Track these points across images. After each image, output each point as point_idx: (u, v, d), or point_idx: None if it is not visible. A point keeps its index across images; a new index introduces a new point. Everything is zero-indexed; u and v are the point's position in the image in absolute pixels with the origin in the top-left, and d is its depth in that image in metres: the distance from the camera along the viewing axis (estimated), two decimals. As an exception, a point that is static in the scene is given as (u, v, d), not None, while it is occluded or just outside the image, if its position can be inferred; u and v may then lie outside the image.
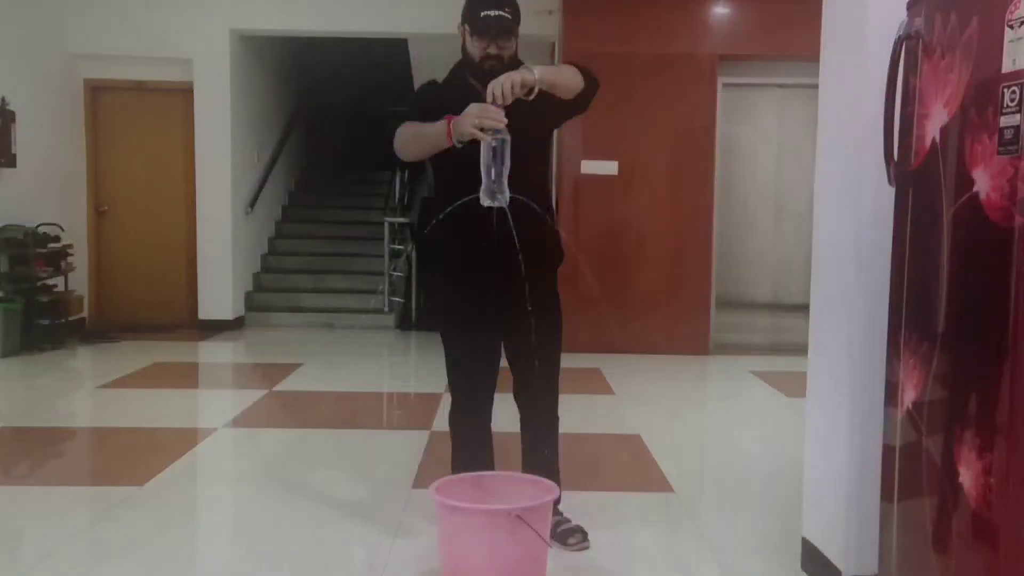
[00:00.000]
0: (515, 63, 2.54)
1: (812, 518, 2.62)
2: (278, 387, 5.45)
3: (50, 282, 6.90)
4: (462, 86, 2.62)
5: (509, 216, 2.36)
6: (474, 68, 2.60)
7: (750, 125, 7.06)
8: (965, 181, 1.76)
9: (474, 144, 2.32)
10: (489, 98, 2.32)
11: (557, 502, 2.74)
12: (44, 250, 6.76)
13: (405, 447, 4.04)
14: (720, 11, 6.73)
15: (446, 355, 2.80)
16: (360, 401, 5.23)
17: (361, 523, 3.03)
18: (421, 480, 3.45)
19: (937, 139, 1.89)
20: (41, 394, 5.43)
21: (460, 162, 2.40)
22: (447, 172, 2.68)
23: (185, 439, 4.18)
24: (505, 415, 2.86)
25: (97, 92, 7.79)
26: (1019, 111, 1.59)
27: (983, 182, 1.70)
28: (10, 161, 6.54)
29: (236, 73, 7.80)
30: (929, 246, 1.92)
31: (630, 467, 3.84)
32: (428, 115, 2.51)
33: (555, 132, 3.51)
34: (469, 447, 2.80)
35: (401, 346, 7.56)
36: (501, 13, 2.53)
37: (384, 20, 7.52)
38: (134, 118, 7.86)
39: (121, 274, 7.93)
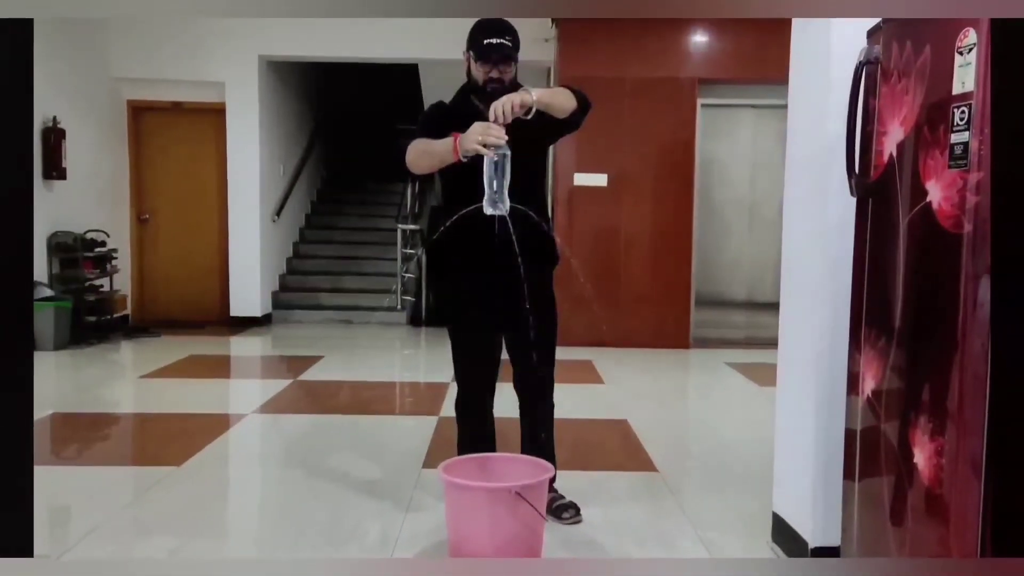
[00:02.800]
0: (515, 86, 2.55)
1: (782, 495, 2.62)
2: (302, 377, 5.45)
3: (97, 283, 6.91)
4: (467, 106, 2.62)
5: (509, 223, 2.36)
6: (478, 90, 2.61)
7: (726, 141, 7.05)
8: (919, 192, 1.76)
9: (478, 159, 2.32)
10: (491, 117, 2.32)
11: (553, 480, 2.74)
12: (91, 254, 6.77)
13: (416, 431, 4.04)
14: (700, 39, 6.73)
15: (452, 349, 2.80)
16: (375, 390, 5.23)
17: (376, 500, 3.03)
18: (430, 461, 3.45)
19: (894, 154, 1.89)
20: (88, 383, 5.44)
21: (465, 175, 2.40)
22: (453, 184, 2.68)
23: (218, 424, 4.18)
24: (506, 402, 2.87)
25: (139, 112, 7.79)
26: (968, 129, 1.60)
27: (935, 193, 1.70)
28: (61, 174, 6.55)
29: (264, 95, 7.80)
30: (886, 251, 1.92)
31: (619, 450, 3.84)
32: (436, 133, 2.51)
33: (551, 148, 3.50)
34: (473, 431, 2.81)
35: (412, 340, 7.56)
36: (502, 41, 2.53)
37: (397, 47, 7.52)
38: (172, 135, 7.87)
39: (161, 276, 7.94)
